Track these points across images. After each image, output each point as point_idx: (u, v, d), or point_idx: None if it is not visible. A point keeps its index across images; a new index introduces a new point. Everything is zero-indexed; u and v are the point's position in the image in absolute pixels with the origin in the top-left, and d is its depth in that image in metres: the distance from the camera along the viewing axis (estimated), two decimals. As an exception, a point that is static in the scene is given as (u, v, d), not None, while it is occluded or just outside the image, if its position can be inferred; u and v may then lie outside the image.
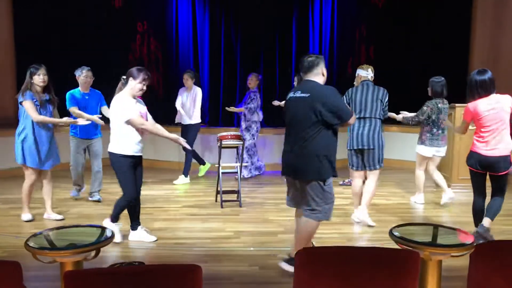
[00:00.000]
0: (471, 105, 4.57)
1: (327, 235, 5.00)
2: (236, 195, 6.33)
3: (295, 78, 7.53)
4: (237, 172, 6.57)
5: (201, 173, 7.91)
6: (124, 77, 4.45)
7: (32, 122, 5.12)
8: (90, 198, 6.32)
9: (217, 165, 6.40)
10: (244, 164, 7.18)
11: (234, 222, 5.50)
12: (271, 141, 8.52)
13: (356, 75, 5.50)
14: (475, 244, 2.73)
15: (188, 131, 7.39)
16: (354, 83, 5.55)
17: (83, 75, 5.98)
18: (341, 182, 7.45)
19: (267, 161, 8.35)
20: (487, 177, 4.71)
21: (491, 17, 8.85)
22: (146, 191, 6.90)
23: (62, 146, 7.76)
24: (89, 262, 2.79)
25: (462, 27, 8.98)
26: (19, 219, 5.48)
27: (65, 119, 5.39)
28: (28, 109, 5.07)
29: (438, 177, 6.30)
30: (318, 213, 3.80)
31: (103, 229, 2.95)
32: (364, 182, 5.49)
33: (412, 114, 6.02)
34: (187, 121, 7.53)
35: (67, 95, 5.97)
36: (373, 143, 5.17)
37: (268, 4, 8.91)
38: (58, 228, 3.05)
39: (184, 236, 4.99)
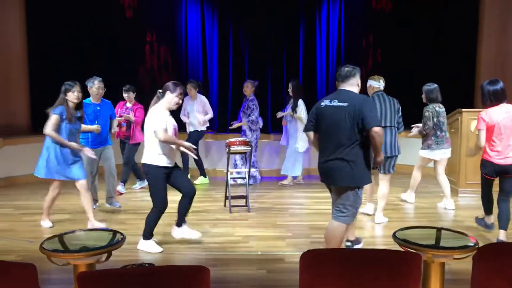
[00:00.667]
0: (483, 113, 4.71)
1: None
2: (244, 200, 6.41)
3: (290, 85, 7.63)
4: (244, 178, 6.66)
5: (198, 182, 7.88)
6: (160, 91, 4.62)
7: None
8: (108, 205, 6.33)
9: (225, 171, 6.50)
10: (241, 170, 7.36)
11: (242, 227, 5.58)
12: (276, 147, 8.57)
13: (368, 86, 5.71)
14: (477, 246, 2.79)
15: (191, 138, 7.55)
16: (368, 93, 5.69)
17: (95, 86, 5.95)
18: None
19: (269, 167, 8.40)
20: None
21: (498, 22, 8.89)
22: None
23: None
24: (101, 264, 2.89)
25: (469, 32, 9.02)
26: (32, 225, 5.61)
27: (74, 144, 5.27)
28: (49, 121, 5.10)
29: (445, 181, 6.35)
30: (347, 216, 3.98)
31: (115, 233, 3.05)
32: None
33: (421, 125, 6.13)
34: (191, 129, 7.73)
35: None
36: (395, 150, 5.48)
37: (276, 12, 9.03)
38: (72, 232, 3.15)
39: (193, 241, 5.06)
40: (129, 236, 4.78)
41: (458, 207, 6.38)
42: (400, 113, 5.51)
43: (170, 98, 4.53)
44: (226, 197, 6.37)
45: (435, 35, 9.13)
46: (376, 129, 3.73)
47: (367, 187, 5.55)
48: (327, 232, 4.06)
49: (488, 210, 5.07)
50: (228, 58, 9.22)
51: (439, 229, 3.27)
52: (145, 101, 8.71)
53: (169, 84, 4.59)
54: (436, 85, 6.14)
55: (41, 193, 7.13)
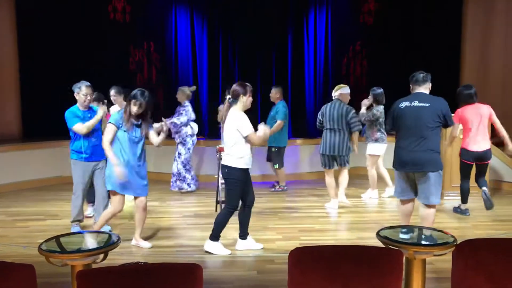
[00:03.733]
0: (460, 110, 6.13)
1: (323, 241, 5.20)
2: (235, 205, 6.51)
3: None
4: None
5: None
6: (229, 96, 4.75)
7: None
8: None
9: (216, 176, 6.61)
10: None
11: (233, 230, 5.66)
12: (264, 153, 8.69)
13: (339, 94, 6.59)
14: (456, 243, 2.94)
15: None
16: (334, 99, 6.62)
17: (82, 92, 5.22)
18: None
19: (260, 173, 8.54)
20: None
21: (480, 28, 9.16)
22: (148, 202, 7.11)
23: (55, 158, 7.99)
24: (98, 265, 2.99)
25: (452, 39, 9.28)
26: (25, 230, 5.68)
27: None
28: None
29: (386, 173, 7.25)
30: (437, 198, 4.54)
31: (110, 235, 3.16)
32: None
33: (364, 112, 7.02)
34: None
35: (67, 113, 5.25)
36: (342, 151, 6.52)
37: (264, 22, 9.21)
38: (68, 235, 3.25)
39: (185, 244, 5.18)
40: (125, 240, 4.93)
41: (443, 209, 6.56)
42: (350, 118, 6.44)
43: (245, 100, 4.71)
44: (217, 202, 6.48)
45: (419, 40, 9.36)
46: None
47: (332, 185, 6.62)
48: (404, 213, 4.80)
49: (464, 199, 6.26)
50: (217, 65, 9.38)
51: (421, 228, 3.42)
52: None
53: (237, 87, 4.72)
54: (382, 89, 7.07)
55: (34, 200, 7.24)
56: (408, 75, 4.81)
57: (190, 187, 7.78)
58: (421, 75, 4.65)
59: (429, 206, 4.58)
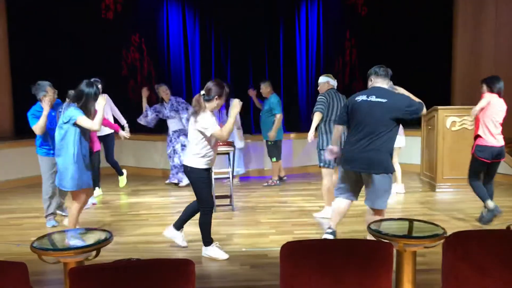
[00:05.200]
0: (489, 96, 5.45)
1: (317, 235, 5.24)
2: (229, 199, 6.54)
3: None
4: (228, 178, 6.80)
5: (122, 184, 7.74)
6: (203, 92, 4.43)
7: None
8: (63, 213, 5.96)
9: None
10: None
11: (227, 225, 5.72)
12: (260, 148, 8.73)
13: (325, 81, 5.92)
14: (445, 235, 2.97)
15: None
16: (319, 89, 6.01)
17: (49, 93, 5.39)
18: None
19: (254, 167, 8.54)
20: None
21: (471, 20, 9.21)
22: (141, 198, 7.12)
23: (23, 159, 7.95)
24: (90, 262, 3.00)
25: (444, 31, 9.34)
26: (18, 228, 5.68)
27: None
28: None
29: (398, 168, 6.98)
30: (383, 202, 4.28)
31: (102, 231, 3.17)
32: None
33: None
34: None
35: (30, 114, 5.45)
36: None
37: (255, 15, 9.20)
38: (60, 232, 3.26)
39: (179, 240, 5.19)
40: (115, 236, 4.94)
41: (435, 201, 6.61)
42: None
43: (216, 102, 4.44)
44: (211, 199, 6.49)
45: (411, 34, 9.40)
46: (424, 111, 4.33)
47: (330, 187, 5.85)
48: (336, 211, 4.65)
49: (485, 195, 5.54)
50: (210, 60, 9.37)
51: (411, 221, 3.46)
52: (128, 104, 8.86)
53: (214, 88, 4.40)
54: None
55: (26, 197, 7.22)
56: (400, 67, 4.76)
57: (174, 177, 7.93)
58: (381, 68, 4.36)
59: (375, 210, 4.34)
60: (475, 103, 5.52)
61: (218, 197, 6.46)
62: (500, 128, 5.48)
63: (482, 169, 5.54)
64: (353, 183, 4.46)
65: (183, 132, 7.66)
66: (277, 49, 9.44)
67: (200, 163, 4.46)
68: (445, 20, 9.36)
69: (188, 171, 4.52)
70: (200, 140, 4.42)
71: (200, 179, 4.49)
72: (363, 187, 4.47)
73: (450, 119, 7.14)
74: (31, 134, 8.47)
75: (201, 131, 4.37)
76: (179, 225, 4.85)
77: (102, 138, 7.08)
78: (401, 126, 6.43)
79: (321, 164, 5.78)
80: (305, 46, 9.52)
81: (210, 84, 4.43)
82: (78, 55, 8.91)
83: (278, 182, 7.95)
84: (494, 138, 5.42)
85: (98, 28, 9.23)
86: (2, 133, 8.82)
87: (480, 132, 5.46)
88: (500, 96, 5.47)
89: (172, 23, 9.40)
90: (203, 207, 4.56)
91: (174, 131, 7.78)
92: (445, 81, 9.47)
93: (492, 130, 5.42)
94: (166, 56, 9.39)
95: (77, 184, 4.67)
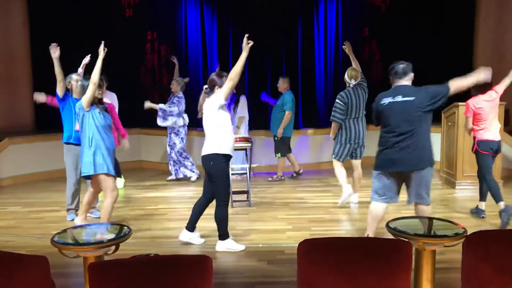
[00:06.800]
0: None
1: (334, 232, 5.22)
2: (246, 195, 6.55)
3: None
4: (245, 173, 6.81)
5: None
6: (206, 86, 4.66)
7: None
8: (92, 216, 5.86)
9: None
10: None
11: (244, 221, 5.73)
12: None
13: (345, 79, 6.25)
14: (466, 234, 2.93)
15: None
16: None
17: (73, 80, 5.66)
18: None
19: (270, 163, 8.55)
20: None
21: (494, 18, 9.02)
22: (158, 193, 7.18)
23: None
24: (109, 257, 3.04)
25: (466, 27, 9.15)
26: (39, 221, 5.77)
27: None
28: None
29: None
30: (428, 196, 4.28)
31: (122, 226, 3.20)
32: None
33: None
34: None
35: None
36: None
37: (273, 12, 9.15)
38: (80, 226, 3.30)
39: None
40: (134, 231, 4.98)
41: (454, 199, 6.53)
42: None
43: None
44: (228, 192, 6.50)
45: (432, 30, 9.25)
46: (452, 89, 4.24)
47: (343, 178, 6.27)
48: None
49: (499, 196, 5.48)
50: (228, 56, 9.35)
51: (430, 219, 3.41)
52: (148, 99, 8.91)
53: (214, 78, 4.63)
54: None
55: (47, 191, 7.34)
56: (420, 63, 4.68)
57: (193, 172, 7.97)
58: (401, 66, 4.24)
59: (423, 206, 4.29)
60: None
61: (235, 192, 6.48)
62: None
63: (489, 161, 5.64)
64: (394, 184, 4.33)
65: (174, 131, 7.78)
66: (295, 46, 9.38)
67: (221, 148, 4.50)
68: (467, 15, 9.18)
69: (208, 159, 4.54)
70: (219, 125, 4.50)
71: (219, 170, 4.53)
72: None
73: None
74: (52, 128, 8.69)
75: (216, 106, 4.47)
76: (191, 227, 4.88)
77: None
78: None
79: (334, 156, 6.29)
80: (323, 42, 9.44)
81: (212, 76, 4.67)
82: (96, 52, 8.98)
83: (282, 177, 7.98)
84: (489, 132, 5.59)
85: (118, 24, 9.31)
86: (23, 127, 8.96)
87: None
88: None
89: (190, 19, 9.42)
90: (219, 199, 4.61)
91: (168, 127, 7.87)
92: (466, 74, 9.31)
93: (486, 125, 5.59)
94: (184, 53, 9.40)
95: (93, 168, 4.74)
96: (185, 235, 4.88)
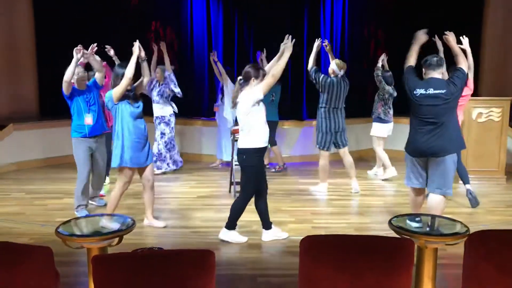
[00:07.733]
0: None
1: (336, 224, 5.24)
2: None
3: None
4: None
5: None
6: (240, 77, 4.61)
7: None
8: (95, 203, 5.93)
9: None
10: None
11: (246, 212, 5.65)
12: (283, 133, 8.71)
13: (332, 69, 6.57)
14: (468, 233, 2.93)
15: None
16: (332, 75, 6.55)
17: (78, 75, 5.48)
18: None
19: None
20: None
21: (501, 14, 8.96)
22: (162, 182, 7.20)
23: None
24: (113, 248, 3.06)
25: (473, 24, 9.06)
26: (43, 208, 5.80)
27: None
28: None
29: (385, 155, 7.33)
30: (444, 188, 4.40)
31: (125, 217, 3.21)
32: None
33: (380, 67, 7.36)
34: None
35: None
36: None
37: (280, 5, 9.08)
38: (85, 217, 3.33)
39: (198, 225, 5.25)
40: (138, 221, 5.00)
41: (458, 193, 6.51)
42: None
43: (255, 84, 4.54)
44: (231, 183, 6.53)
45: (439, 25, 9.13)
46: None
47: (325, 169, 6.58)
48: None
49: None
50: (233, 47, 9.30)
51: (433, 217, 3.42)
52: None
53: (250, 70, 4.58)
54: (390, 72, 7.30)
55: (52, 178, 7.37)
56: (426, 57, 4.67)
57: (169, 166, 7.79)
58: (435, 58, 4.48)
59: (435, 194, 4.45)
60: (503, 95, 5.39)
61: (238, 183, 6.46)
62: None
63: None
64: (422, 170, 4.50)
65: (164, 120, 7.64)
66: (301, 40, 9.31)
67: (254, 142, 4.50)
68: (474, 11, 9.09)
69: (241, 153, 4.57)
70: (254, 119, 4.48)
71: (250, 165, 4.55)
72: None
73: (476, 110, 7.00)
74: (57, 114, 8.71)
75: (253, 100, 4.43)
76: (267, 225, 4.85)
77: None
78: (390, 112, 7.26)
79: (318, 146, 6.52)
80: (329, 37, 9.37)
81: (246, 68, 4.62)
82: (103, 41, 8.95)
83: (285, 166, 8.05)
84: None
85: (123, 14, 9.26)
86: (28, 113, 8.96)
87: None
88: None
89: (196, 11, 9.33)
90: (244, 192, 4.70)
91: (157, 117, 7.69)
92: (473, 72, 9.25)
93: None
94: (189, 43, 9.32)
95: (117, 162, 4.81)
96: (269, 235, 4.81)
